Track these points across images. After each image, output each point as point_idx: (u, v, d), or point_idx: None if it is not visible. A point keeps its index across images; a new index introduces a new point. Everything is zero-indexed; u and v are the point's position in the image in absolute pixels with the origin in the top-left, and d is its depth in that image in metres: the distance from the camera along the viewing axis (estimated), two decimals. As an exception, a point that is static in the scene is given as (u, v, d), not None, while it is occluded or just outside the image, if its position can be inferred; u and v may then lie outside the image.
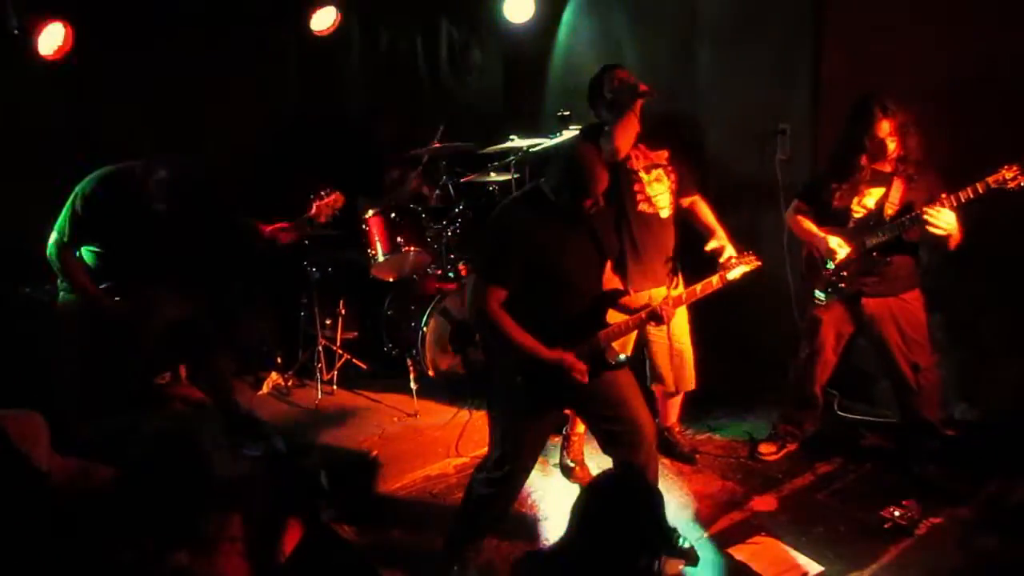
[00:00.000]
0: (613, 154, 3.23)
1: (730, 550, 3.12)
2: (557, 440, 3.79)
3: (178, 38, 4.36)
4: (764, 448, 3.81)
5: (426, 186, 4.95)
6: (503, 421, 2.87)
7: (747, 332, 4.30)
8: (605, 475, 2.27)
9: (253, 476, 3.15)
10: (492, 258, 2.76)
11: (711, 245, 3.33)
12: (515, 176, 4.49)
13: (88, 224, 3.43)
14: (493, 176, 4.62)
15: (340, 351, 4.61)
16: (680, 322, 3.55)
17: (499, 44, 5.59)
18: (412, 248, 4.46)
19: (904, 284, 3.42)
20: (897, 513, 3.18)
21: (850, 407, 4.07)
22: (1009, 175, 2.97)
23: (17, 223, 3.82)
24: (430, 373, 4.39)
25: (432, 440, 4.00)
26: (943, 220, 3.09)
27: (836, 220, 3.44)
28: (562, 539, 1.96)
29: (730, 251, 3.19)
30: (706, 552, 3.08)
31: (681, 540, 3.06)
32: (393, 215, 4.48)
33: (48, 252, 3.47)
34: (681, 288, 3.19)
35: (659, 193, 3.42)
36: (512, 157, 4.38)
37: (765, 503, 3.44)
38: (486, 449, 3.01)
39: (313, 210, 3.85)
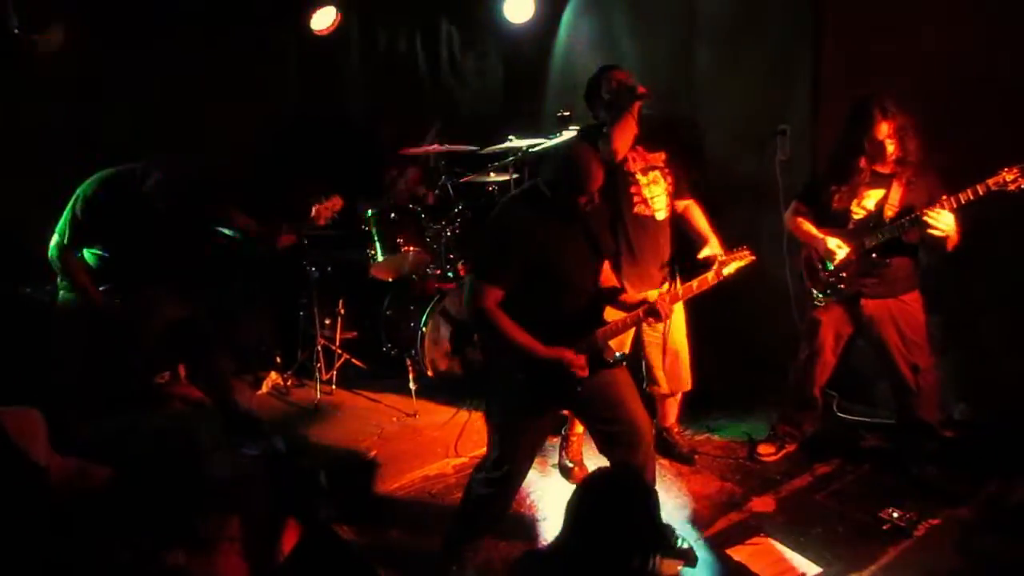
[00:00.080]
0: (611, 156, 3.23)
1: (728, 551, 3.11)
2: (556, 440, 3.79)
3: (178, 38, 4.37)
4: (763, 449, 3.81)
5: (422, 186, 4.95)
6: (501, 421, 2.87)
7: (746, 333, 4.30)
8: (598, 473, 2.26)
9: (252, 476, 3.15)
10: (489, 257, 2.76)
11: (704, 253, 3.32)
12: (514, 176, 4.49)
13: (89, 227, 3.44)
14: (492, 176, 4.62)
15: (339, 351, 4.61)
16: (676, 322, 3.54)
17: (499, 44, 5.59)
18: (411, 248, 4.47)
19: (903, 285, 3.41)
20: (896, 514, 3.17)
21: (849, 408, 4.06)
22: (1010, 177, 2.97)
23: (17, 223, 3.83)
24: (429, 373, 4.39)
25: (431, 440, 4.00)
26: (943, 222, 3.09)
27: (835, 222, 3.44)
28: (557, 538, 1.95)
29: (723, 256, 3.19)
30: (704, 553, 3.08)
31: (680, 541, 3.07)
32: (392, 215, 4.48)
33: (50, 254, 3.48)
34: (678, 284, 3.19)
35: (656, 195, 3.42)
36: (511, 157, 4.38)
37: (764, 504, 3.44)
38: (485, 449, 3.01)
39: (312, 213, 3.87)
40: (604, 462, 2.95)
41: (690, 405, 3.91)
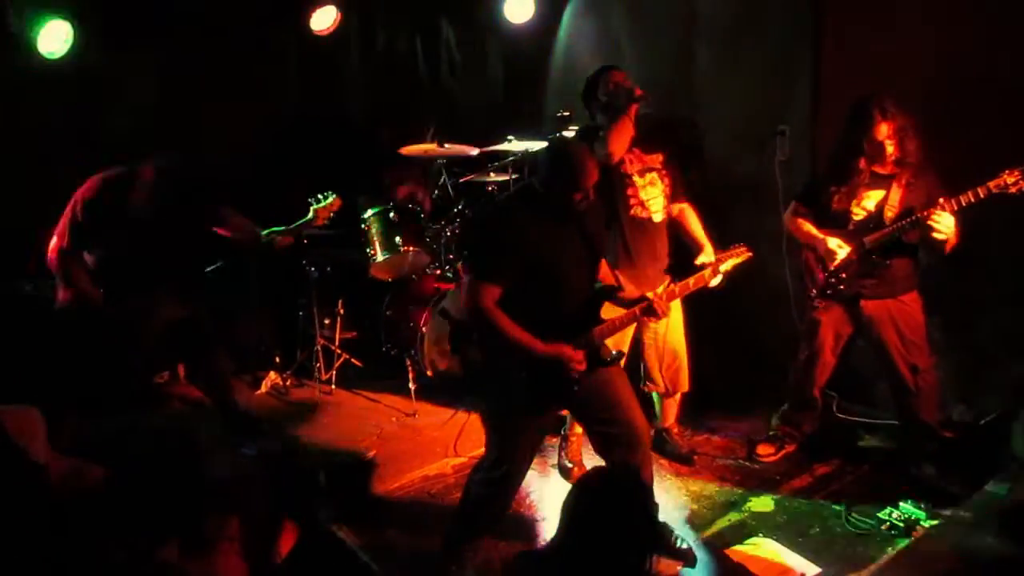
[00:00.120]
0: (607, 158, 3.22)
1: (728, 551, 3.11)
2: (555, 441, 3.79)
3: (178, 38, 4.36)
4: (762, 449, 3.81)
5: (421, 190, 4.94)
6: (500, 421, 2.87)
7: (746, 333, 4.30)
8: (595, 472, 2.26)
9: (251, 475, 3.15)
10: (486, 255, 2.76)
11: (700, 260, 3.31)
12: (514, 176, 4.49)
13: (88, 229, 3.44)
14: (492, 176, 4.62)
15: (339, 351, 4.61)
16: (674, 322, 3.54)
17: (499, 44, 5.58)
18: (411, 248, 4.47)
19: (903, 286, 3.41)
20: (895, 514, 3.17)
21: (848, 408, 4.06)
22: (1011, 179, 2.98)
23: (18, 221, 3.83)
24: (428, 373, 4.39)
25: (430, 440, 4.00)
26: (943, 225, 3.09)
27: (835, 222, 3.43)
28: (554, 538, 1.95)
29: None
30: (703, 553, 3.09)
31: (679, 541, 3.07)
32: (392, 215, 4.48)
33: (49, 257, 3.48)
34: (675, 282, 3.20)
35: (653, 197, 3.41)
36: (511, 157, 4.37)
37: (763, 504, 3.44)
38: (484, 449, 3.01)
39: (311, 214, 3.88)
40: (603, 462, 2.95)
41: (689, 405, 3.91)
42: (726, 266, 2.97)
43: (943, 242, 3.14)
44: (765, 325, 4.26)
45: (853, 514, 3.26)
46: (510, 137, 4.50)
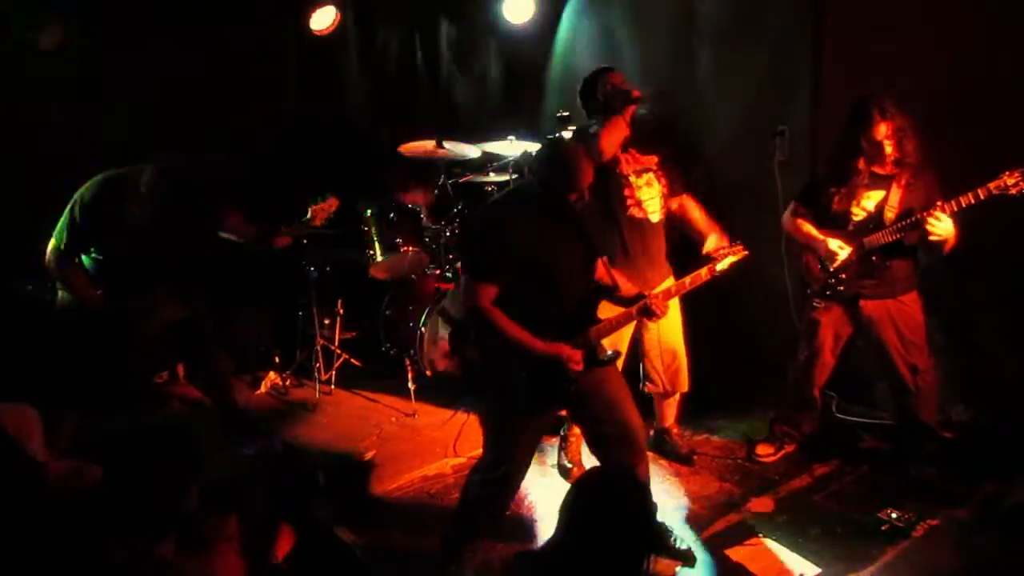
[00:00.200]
0: (598, 156, 3.21)
1: (727, 552, 3.11)
2: (555, 441, 3.79)
3: (178, 38, 4.37)
4: (761, 449, 3.81)
5: (420, 194, 4.93)
6: (499, 422, 2.87)
7: (745, 333, 4.30)
8: (593, 472, 2.27)
9: (250, 475, 3.15)
10: (482, 255, 2.76)
11: (709, 247, 3.29)
12: (514, 176, 4.49)
13: (87, 231, 3.43)
14: (492, 176, 4.62)
15: (338, 351, 4.61)
16: (672, 322, 3.54)
17: (499, 44, 5.58)
18: (411, 248, 4.47)
19: (902, 286, 3.41)
20: (894, 515, 3.17)
21: (848, 409, 4.06)
22: (1011, 181, 2.97)
23: (18, 221, 3.82)
24: (428, 373, 4.39)
25: (430, 440, 4.00)
26: (941, 227, 3.09)
27: (835, 223, 3.43)
28: (553, 538, 1.95)
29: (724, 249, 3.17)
30: (703, 554, 3.09)
31: (678, 541, 3.07)
32: (391, 215, 4.48)
33: (47, 260, 3.48)
34: (671, 281, 3.20)
35: (650, 198, 3.41)
36: (511, 157, 4.37)
37: (762, 504, 3.44)
38: (482, 450, 3.01)
39: (309, 214, 3.88)
40: (602, 462, 2.95)
41: (689, 405, 3.91)
42: (723, 265, 2.97)
43: (941, 243, 3.14)
44: (764, 325, 4.26)
45: (853, 514, 3.26)
46: (510, 137, 4.50)
